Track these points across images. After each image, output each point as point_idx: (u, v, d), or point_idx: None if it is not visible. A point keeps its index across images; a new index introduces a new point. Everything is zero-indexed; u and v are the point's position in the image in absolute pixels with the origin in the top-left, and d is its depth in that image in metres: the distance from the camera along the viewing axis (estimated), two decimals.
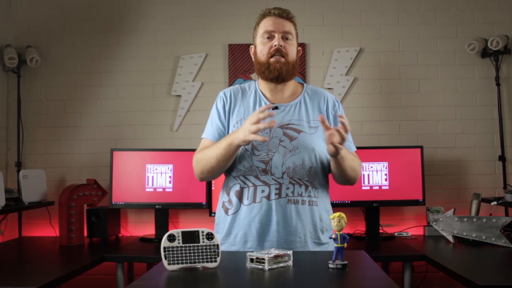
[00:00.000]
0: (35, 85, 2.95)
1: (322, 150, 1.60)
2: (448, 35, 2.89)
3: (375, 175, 2.61)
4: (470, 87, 2.87)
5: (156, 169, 2.66)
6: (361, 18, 2.93)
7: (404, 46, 2.91)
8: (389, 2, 2.93)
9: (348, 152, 1.61)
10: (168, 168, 2.66)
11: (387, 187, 2.61)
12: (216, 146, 1.57)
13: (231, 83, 2.87)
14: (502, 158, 2.79)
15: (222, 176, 1.69)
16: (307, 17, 2.90)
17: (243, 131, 1.47)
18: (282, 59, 1.62)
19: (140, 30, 2.96)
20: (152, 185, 2.65)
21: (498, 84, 2.81)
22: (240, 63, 2.86)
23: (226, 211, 1.63)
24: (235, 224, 1.60)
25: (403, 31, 2.91)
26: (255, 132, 1.44)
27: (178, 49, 2.94)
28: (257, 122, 1.44)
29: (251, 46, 1.74)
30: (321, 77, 2.91)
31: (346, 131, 1.45)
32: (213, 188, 2.63)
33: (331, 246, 1.62)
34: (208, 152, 1.59)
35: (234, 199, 1.61)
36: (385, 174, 2.61)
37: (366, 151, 2.60)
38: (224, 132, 1.67)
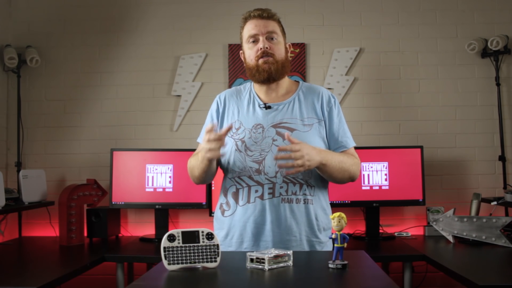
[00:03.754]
0: (35, 85, 2.95)
1: (317, 147, 1.59)
2: (448, 35, 2.89)
3: (375, 175, 2.61)
4: (470, 87, 2.87)
5: (156, 169, 2.66)
6: (361, 18, 2.93)
7: (404, 46, 2.91)
8: (389, 2, 2.93)
9: (333, 156, 1.57)
10: (168, 168, 2.66)
11: (387, 187, 2.61)
12: (195, 158, 1.62)
13: (231, 83, 2.87)
14: (502, 158, 2.79)
15: (221, 178, 1.69)
16: (307, 17, 2.90)
17: (202, 150, 1.51)
18: (270, 59, 1.61)
19: (140, 30, 2.96)
20: (152, 185, 2.65)
21: (498, 84, 2.81)
22: (240, 63, 2.86)
23: (223, 212, 1.64)
24: (231, 226, 1.60)
25: (403, 31, 2.91)
26: (209, 149, 1.46)
27: (178, 49, 2.94)
28: (207, 142, 1.46)
29: (240, 52, 1.74)
30: (321, 77, 2.91)
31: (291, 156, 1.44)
32: (213, 188, 2.63)
33: (330, 245, 1.62)
34: (192, 162, 1.65)
35: (231, 201, 1.61)
36: (385, 174, 2.61)
37: (366, 151, 2.60)
38: None
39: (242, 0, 2.88)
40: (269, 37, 1.63)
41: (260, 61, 1.62)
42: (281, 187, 1.56)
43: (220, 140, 1.45)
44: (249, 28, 1.65)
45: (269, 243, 1.55)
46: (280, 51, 1.65)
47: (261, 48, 1.61)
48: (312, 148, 1.50)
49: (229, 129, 1.50)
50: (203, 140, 1.49)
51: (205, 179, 1.65)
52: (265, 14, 1.64)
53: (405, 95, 2.89)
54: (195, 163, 1.62)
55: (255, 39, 1.64)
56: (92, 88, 2.95)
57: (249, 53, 1.65)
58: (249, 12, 1.67)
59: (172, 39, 2.95)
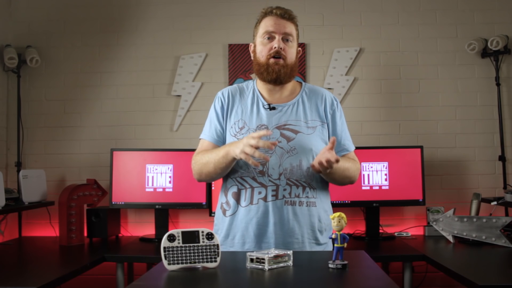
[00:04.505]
0: (35, 85, 2.95)
1: (320, 150, 1.59)
2: (448, 35, 2.89)
3: (375, 175, 2.61)
4: (470, 87, 2.87)
5: (156, 169, 2.66)
6: (361, 18, 2.93)
7: (404, 46, 2.91)
8: (389, 2, 2.93)
9: (340, 163, 1.56)
10: (168, 168, 2.66)
11: (387, 187, 2.61)
12: (215, 153, 1.57)
13: (231, 83, 2.87)
14: (502, 158, 2.79)
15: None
16: (307, 17, 2.90)
17: (239, 147, 1.45)
18: (281, 61, 1.61)
19: (140, 30, 2.96)
20: (152, 185, 2.65)
21: (498, 84, 2.80)
22: (240, 63, 2.86)
23: (224, 212, 1.63)
24: (233, 226, 1.60)
25: (403, 31, 2.91)
26: (249, 153, 1.42)
27: (178, 49, 2.94)
28: (256, 145, 1.42)
29: (251, 44, 1.73)
30: (321, 77, 2.91)
31: (330, 164, 1.45)
32: (213, 188, 2.63)
33: (331, 246, 1.62)
34: (207, 157, 1.59)
35: (231, 201, 1.61)
36: (385, 174, 2.61)
37: (366, 151, 2.60)
38: (222, 132, 1.67)
39: (243, 0, 2.88)
40: (285, 39, 1.63)
41: (271, 60, 1.61)
42: (284, 190, 1.56)
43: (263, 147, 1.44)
44: (268, 24, 1.63)
45: (271, 245, 1.55)
46: (292, 54, 1.64)
47: (275, 47, 1.60)
48: None
49: (275, 144, 1.47)
50: (250, 136, 1.44)
51: (217, 176, 1.61)
52: (286, 15, 1.64)
53: (405, 95, 2.89)
54: (212, 159, 1.56)
55: (270, 37, 1.63)
56: (92, 88, 2.95)
57: (261, 49, 1.64)
58: (271, 8, 1.65)
59: (172, 39, 2.95)
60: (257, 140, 1.41)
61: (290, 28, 1.64)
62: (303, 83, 1.76)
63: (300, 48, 1.72)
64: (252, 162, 1.44)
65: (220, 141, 1.67)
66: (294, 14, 1.67)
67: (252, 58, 1.71)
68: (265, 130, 1.52)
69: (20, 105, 2.88)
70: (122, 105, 2.93)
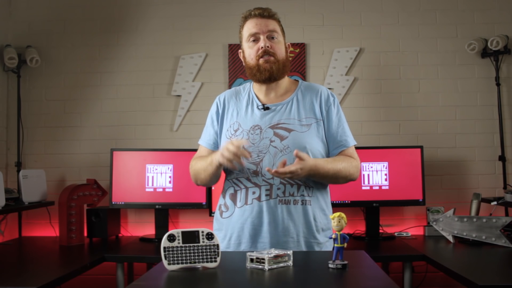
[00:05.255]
0: (35, 85, 2.95)
1: (315, 147, 1.59)
2: (448, 35, 2.89)
3: (375, 175, 2.61)
4: (470, 87, 2.87)
5: (156, 169, 2.66)
6: (361, 18, 2.93)
7: (404, 46, 2.91)
8: (389, 2, 2.93)
9: (327, 168, 1.56)
10: (168, 168, 2.66)
11: (387, 187, 2.61)
12: (204, 160, 1.62)
13: (231, 83, 2.87)
14: (502, 158, 2.79)
15: (221, 178, 1.69)
16: (307, 17, 2.90)
17: (219, 153, 1.50)
18: (272, 58, 1.61)
19: (140, 30, 2.96)
20: (152, 185, 2.65)
21: (498, 84, 2.80)
22: (240, 63, 2.85)
23: (221, 214, 1.65)
24: (229, 227, 1.61)
25: (403, 31, 2.91)
26: (227, 156, 1.46)
27: (178, 49, 2.94)
28: (233, 150, 1.45)
29: (239, 51, 1.74)
30: (321, 77, 2.91)
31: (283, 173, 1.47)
32: (213, 188, 2.63)
33: (328, 245, 1.62)
34: (199, 164, 1.65)
35: (229, 202, 1.62)
36: (385, 174, 2.61)
37: (366, 151, 2.60)
38: (217, 138, 1.70)
39: (242, 0, 2.87)
40: (270, 36, 1.63)
41: (261, 60, 1.61)
42: (278, 189, 1.56)
43: (240, 156, 1.47)
44: (250, 27, 1.64)
45: (266, 244, 1.55)
46: (280, 50, 1.65)
47: (262, 47, 1.61)
48: (309, 168, 1.50)
49: (249, 154, 1.49)
50: (225, 147, 1.47)
51: (210, 182, 1.66)
52: (265, 13, 1.64)
53: (405, 95, 2.89)
54: (202, 166, 1.62)
55: (255, 38, 1.63)
56: (92, 88, 2.95)
57: (250, 52, 1.65)
58: (249, 11, 1.66)
59: (172, 39, 2.95)
60: (235, 146, 1.45)
61: (272, 25, 1.64)
62: (300, 81, 1.75)
63: (289, 43, 1.72)
64: (231, 166, 1.49)
65: (216, 146, 1.70)
66: (274, 11, 1.67)
67: (243, 64, 1.72)
68: (245, 140, 1.56)
69: (20, 105, 2.88)
70: (122, 105, 2.93)
